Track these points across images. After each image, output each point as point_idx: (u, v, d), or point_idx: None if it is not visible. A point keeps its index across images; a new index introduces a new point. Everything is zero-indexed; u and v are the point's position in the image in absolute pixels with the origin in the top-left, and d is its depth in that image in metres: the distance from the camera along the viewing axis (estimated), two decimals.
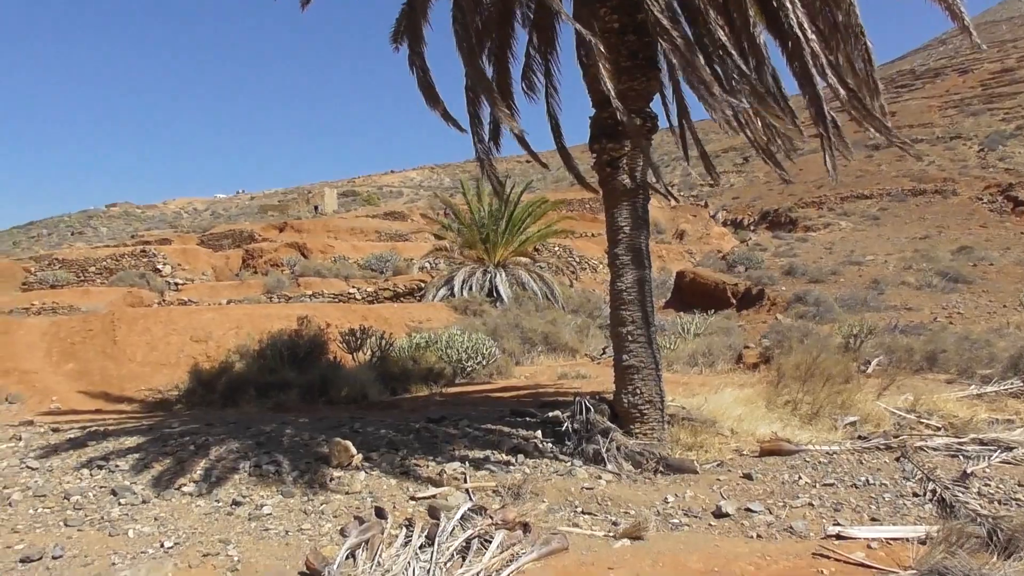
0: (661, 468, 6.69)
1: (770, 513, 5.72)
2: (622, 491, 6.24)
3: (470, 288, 22.98)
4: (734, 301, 23.73)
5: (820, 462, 6.76)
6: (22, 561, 4.92)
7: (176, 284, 29.81)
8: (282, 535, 5.38)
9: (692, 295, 25.26)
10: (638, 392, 7.37)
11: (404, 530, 5.17)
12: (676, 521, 5.66)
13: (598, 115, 7.73)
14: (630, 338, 7.47)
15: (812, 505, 5.83)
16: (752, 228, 51.48)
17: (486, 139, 8.62)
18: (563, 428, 7.50)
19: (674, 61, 6.59)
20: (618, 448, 6.92)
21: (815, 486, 6.22)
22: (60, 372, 14.05)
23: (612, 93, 6.42)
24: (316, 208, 66.97)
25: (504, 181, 8.95)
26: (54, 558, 4.97)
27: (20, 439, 7.75)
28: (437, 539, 4.86)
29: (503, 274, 23.88)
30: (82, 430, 8.17)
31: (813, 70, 6.55)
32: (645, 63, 7.41)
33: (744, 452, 7.18)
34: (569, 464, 6.87)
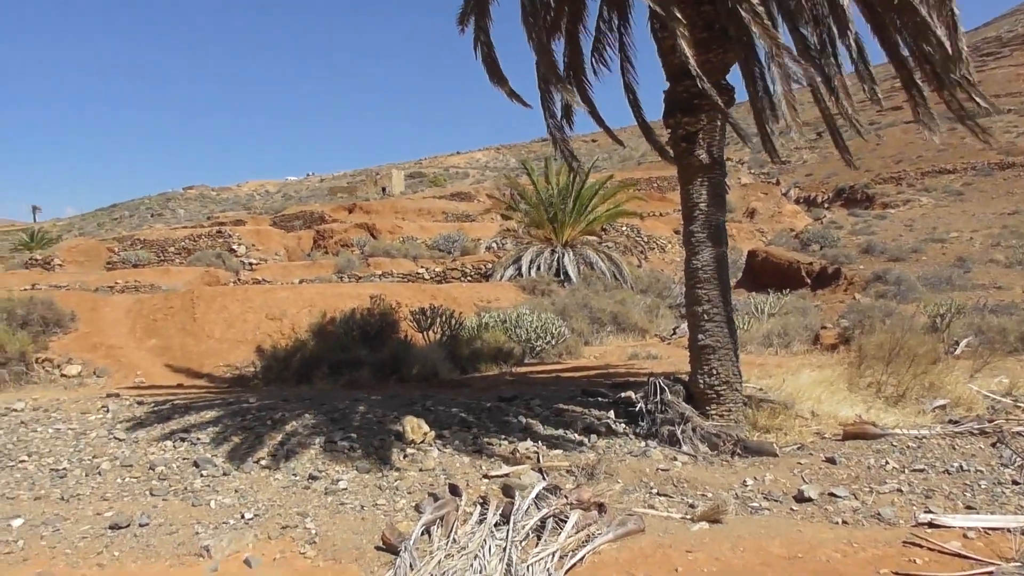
0: (739, 450, 6.50)
1: (856, 499, 5.49)
2: (699, 473, 6.10)
3: (538, 268, 22.91)
4: (808, 280, 23.05)
5: (908, 447, 6.46)
6: (111, 528, 5.09)
7: (250, 264, 30.61)
8: (358, 509, 5.43)
9: (764, 274, 24.66)
10: (714, 373, 7.19)
11: (479, 508, 5.15)
12: (756, 505, 5.49)
13: (673, 88, 7.50)
14: (706, 317, 7.29)
15: (901, 491, 5.56)
16: (826, 205, 49.83)
17: (558, 116, 8.41)
18: (636, 409, 7.37)
19: (754, 29, 6.30)
20: (694, 429, 6.76)
21: (904, 472, 5.95)
22: (143, 348, 14.56)
23: (692, 62, 6.18)
24: (384, 189, 67.75)
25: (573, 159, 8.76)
26: (141, 526, 5.14)
27: (108, 411, 8.04)
28: (512, 517, 4.81)
29: (571, 254, 23.71)
30: (165, 403, 8.43)
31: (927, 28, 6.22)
32: (721, 34, 7.14)
33: (826, 435, 6.93)
34: (643, 445, 6.75)
